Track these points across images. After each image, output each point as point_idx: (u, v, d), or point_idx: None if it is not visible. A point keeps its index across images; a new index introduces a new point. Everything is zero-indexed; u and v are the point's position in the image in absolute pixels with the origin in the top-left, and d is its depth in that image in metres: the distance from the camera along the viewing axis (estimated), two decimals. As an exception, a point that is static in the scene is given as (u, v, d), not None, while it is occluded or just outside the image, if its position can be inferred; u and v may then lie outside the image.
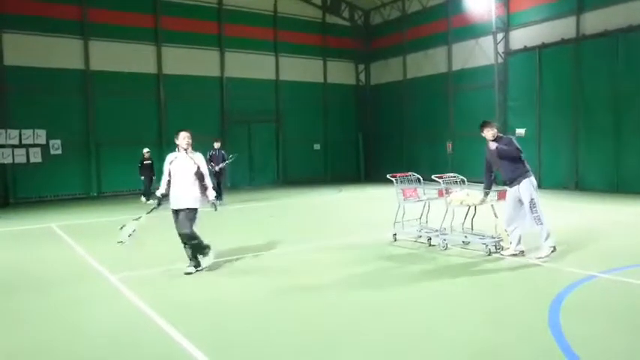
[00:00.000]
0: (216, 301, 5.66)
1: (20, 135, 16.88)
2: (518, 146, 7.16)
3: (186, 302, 5.64)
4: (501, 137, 7.39)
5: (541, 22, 17.45)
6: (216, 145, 15.20)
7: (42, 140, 17.23)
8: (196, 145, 7.54)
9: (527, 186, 7.00)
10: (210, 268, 7.00)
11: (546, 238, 6.88)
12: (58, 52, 17.63)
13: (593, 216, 11.29)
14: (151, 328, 4.85)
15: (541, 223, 6.88)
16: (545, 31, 17.27)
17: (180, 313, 5.24)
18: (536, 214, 6.90)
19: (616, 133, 15.40)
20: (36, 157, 17.14)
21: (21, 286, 6.51)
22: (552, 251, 6.89)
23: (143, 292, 5.94)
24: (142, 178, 16.18)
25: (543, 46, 17.24)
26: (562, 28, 16.75)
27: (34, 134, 17.07)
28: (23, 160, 16.94)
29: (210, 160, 14.36)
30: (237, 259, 7.73)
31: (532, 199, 6.94)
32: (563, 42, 16.67)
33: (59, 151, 17.54)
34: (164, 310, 5.27)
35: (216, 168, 14.46)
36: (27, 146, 17.01)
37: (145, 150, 16.45)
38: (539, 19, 17.50)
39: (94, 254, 8.20)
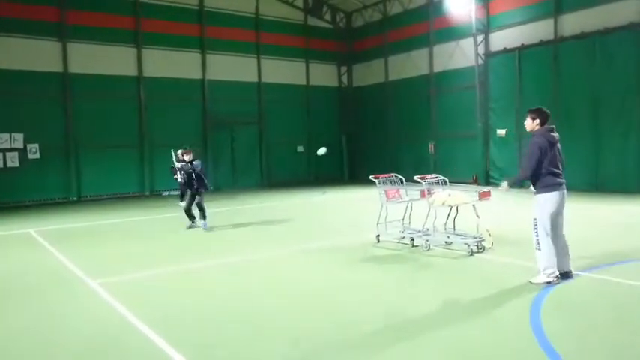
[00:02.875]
0: (197, 305, 5.60)
1: (-4, 139, 16.57)
2: (534, 149, 5.94)
3: (167, 306, 5.57)
4: (537, 133, 6.11)
5: (520, 25, 17.68)
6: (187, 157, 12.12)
7: (19, 144, 16.90)
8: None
9: (535, 203, 6.04)
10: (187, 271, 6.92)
11: (545, 268, 5.87)
12: (36, 55, 17.30)
13: (572, 215, 11.40)
14: (131, 332, 4.78)
15: (539, 249, 5.94)
16: (525, 33, 17.51)
17: (161, 317, 5.18)
18: (536, 237, 5.96)
19: (594, 133, 15.67)
20: (13, 161, 16.80)
21: (-3, 294, 6.37)
22: (548, 283, 5.84)
23: (123, 297, 5.85)
24: (176, 178, 15.37)
25: (523, 48, 17.47)
26: (541, 30, 17.00)
27: (11, 138, 16.72)
28: (0, 164, 16.59)
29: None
30: (219, 263, 7.67)
31: (534, 219, 5.99)
32: (542, 44, 16.91)
33: (37, 156, 17.22)
34: (144, 314, 5.21)
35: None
36: (4, 151, 16.67)
37: (180, 152, 15.64)
38: (519, 22, 17.74)
39: (73, 260, 8.06)
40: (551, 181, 5.92)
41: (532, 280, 5.96)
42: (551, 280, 5.85)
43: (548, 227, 5.91)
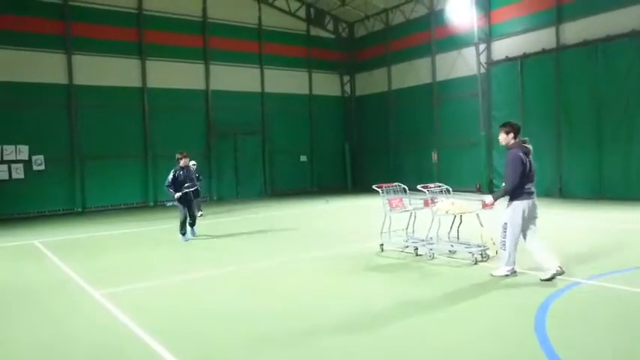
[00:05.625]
0: (200, 315, 5.59)
1: (2, 151, 16.63)
2: (517, 162, 6.35)
3: (170, 316, 5.57)
4: (514, 146, 6.55)
5: (522, 33, 17.74)
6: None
7: (24, 156, 16.99)
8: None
9: (509, 208, 6.50)
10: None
11: (506, 264, 6.54)
12: (41, 67, 17.44)
13: (576, 222, 11.40)
14: (135, 342, 4.78)
15: (504, 249, 6.53)
16: (527, 41, 17.56)
17: (164, 327, 5.17)
18: (502, 240, 6.51)
19: (597, 139, 15.65)
20: (18, 173, 16.88)
21: (2, 304, 6.37)
22: (507, 275, 6.53)
23: (126, 307, 5.85)
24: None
25: (525, 56, 17.51)
26: (543, 39, 17.05)
27: (16, 150, 16.82)
28: (5, 176, 16.65)
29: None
30: (222, 273, 7.67)
31: (505, 223, 6.48)
32: (544, 52, 16.95)
33: (42, 167, 17.30)
34: (147, 324, 5.21)
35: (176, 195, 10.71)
36: (9, 162, 16.75)
37: (192, 163, 14.55)
38: (520, 30, 17.79)
39: (76, 270, 8.07)
40: (524, 190, 6.37)
41: (493, 273, 6.65)
42: (508, 273, 6.53)
43: (518, 231, 6.44)
